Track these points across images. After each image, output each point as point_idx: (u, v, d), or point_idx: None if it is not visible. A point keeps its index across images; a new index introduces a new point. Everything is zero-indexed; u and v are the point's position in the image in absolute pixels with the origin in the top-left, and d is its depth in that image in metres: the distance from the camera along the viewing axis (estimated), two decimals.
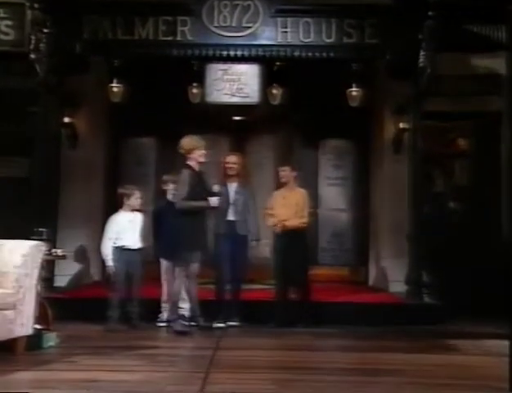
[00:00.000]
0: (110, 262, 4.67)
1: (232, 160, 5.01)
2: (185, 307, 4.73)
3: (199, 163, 4.64)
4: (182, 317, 4.64)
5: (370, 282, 6.75)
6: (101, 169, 6.72)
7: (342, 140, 7.12)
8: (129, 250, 4.68)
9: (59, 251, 4.35)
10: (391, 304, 5.34)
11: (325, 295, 5.54)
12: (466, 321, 5.06)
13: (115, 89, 6.22)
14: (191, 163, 4.63)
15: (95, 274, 6.43)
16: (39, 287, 3.95)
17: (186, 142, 4.66)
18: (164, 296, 4.83)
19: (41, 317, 4.00)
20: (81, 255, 6.22)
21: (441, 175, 6.81)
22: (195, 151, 4.59)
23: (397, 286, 5.82)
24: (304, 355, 3.93)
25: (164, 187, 4.93)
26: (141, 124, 6.73)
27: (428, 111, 5.63)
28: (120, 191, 4.86)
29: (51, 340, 3.95)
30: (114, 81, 6.19)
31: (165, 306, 4.80)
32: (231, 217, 4.95)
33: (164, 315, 4.80)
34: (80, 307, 4.97)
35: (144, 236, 4.81)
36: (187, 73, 6.06)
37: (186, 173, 4.59)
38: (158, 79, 6.32)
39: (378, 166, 6.69)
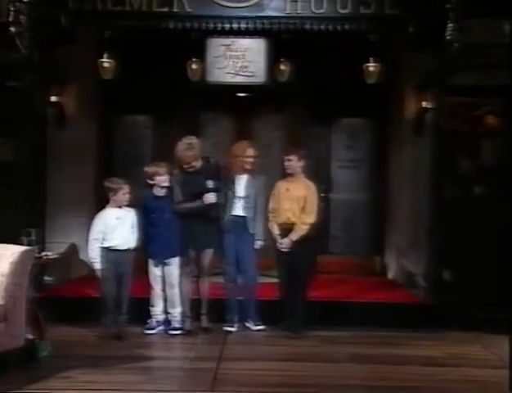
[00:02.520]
0: (97, 265, 4.64)
1: (251, 153, 4.96)
2: (174, 312, 4.78)
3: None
4: (168, 324, 4.74)
5: (386, 273, 6.82)
6: (93, 151, 6.70)
7: (356, 118, 7.05)
8: (118, 250, 4.65)
9: (50, 254, 4.39)
10: (407, 304, 5.36)
11: (333, 292, 5.60)
12: (492, 323, 4.95)
13: (106, 65, 6.16)
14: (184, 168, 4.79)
15: (85, 267, 6.51)
16: (30, 293, 4.02)
17: (179, 146, 4.80)
18: (153, 300, 4.85)
19: (32, 325, 4.08)
20: (71, 246, 6.28)
21: (466, 156, 6.76)
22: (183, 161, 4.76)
23: (415, 279, 5.87)
24: (315, 368, 4.00)
25: (149, 181, 4.82)
26: (136, 101, 6.69)
27: (452, 86, 5.56)
28: (106, 184, 4.77)
29: (44, 349, 4.05)
30: (105, 56, 6.12)
31: (154, 310, 4.84)
32: (239, 212, 4.96)
33: (153, 321, 4.82)
34: (72, 306, 5.06)
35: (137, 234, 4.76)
36: (186, 46, 5.98)
37: (176, 174, 4.78)
38: (153, 54, 6.25)
39: (396, 147, 6.66)
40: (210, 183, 4.75)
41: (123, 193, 4.71)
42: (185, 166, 4.77)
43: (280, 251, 4.87)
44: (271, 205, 4.97)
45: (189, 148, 4.76)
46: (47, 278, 5.32)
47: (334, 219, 7.14)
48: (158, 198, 4.80)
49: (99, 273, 4.65)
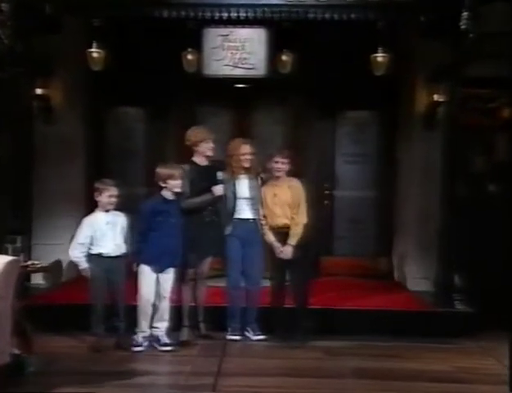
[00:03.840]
0: (83, 264, 4.61)
1: (248, 150, 4.92)
2: (162, 327, 4.71)
3: (206, 156, 4.82)
4: (156, 339, 4.67)
5: (393, 275, 6.80)
6: (82, 146, 6.65)
7: (363, 111, 7.00)
8: (109, 257, 4.61)
9: (37, 263, 4.37)
10: (414, 312, 5.35)
11: (336, 298, 5.59)
12: (506, 334, 4.74)
13: (95, 55, 6.07)
14: (197, 158, 4.82)
15: (74, 270, 6.50)
16: (15, 304, 4.00)
17: (193, 133, 4.81)
18: (141, 313, 4.67)
19: (19, 338, 4.05)
20: (58, 249, 6.26)
21: (480, 152, 6.71)
22: (202, 143, 4.75)
23: (424, 284, 5.87)
24: (319, 384, 3.98)
25: (161, 184, 4.70)
26: (128, 93, 6.62)
27: (466, 77, 5.49)
28: (95, 185, 4.72)
29: (31, 365, 4.01)
30: (94, 45, 6.04)
31: (141, 325, 4.68)
32: (247, 215, 4.93)
33: (140, 337, 4.67)
34: (60, 315, 5.04)
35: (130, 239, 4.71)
36: (181, 36, 5.90)
37: (187, 168, 4.75)
38: (146, 44, 6.19)
39: (406, 142, 6.61)
40: (220, 175, 4.80)
41: (109, 195, 4.65)
42: (209, 146, 4.78)
43: (278, 257, 4.88)
44: (261, 212, 4.95)
45: (209, 131, 4.83)
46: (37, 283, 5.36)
47: (339, 217, 7.13)
48: (167, 202, 4.70)
49: (86, 273, 4.61)
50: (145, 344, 4.68)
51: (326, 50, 6.09)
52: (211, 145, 4.80)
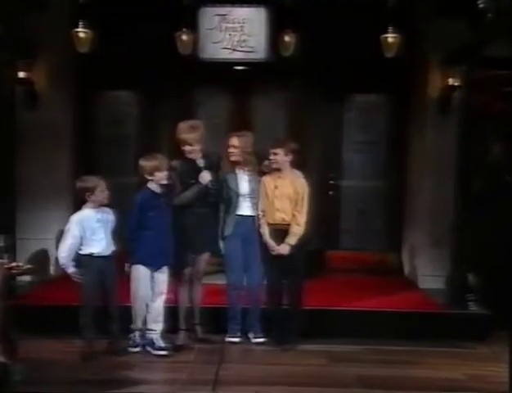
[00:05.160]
0: (70, 269, 4.57)
1: (236, 143, 4.89)
2: (157, 328, 4.71)
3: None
4: (151, 342, 4.67)
5: (403, 271, 6.79)
6: (69, 133, 6.60)
7: (372, 95, 6.94)
8: (101, 257, 4.59)
9: (22, 264, 4.32)
10: (425, 313, 5.33)
11: (340, 298, 5.57)
12: None
13: (82, 35, 6.02)
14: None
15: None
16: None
17: (183, 130, 4.79)
18: (136, 313, 4.70)
19: (3, 345, 4.06)
20: (44, 243, 6.24)
21: (498, 140, 6.66)
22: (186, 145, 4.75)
23: (435, 282, 5.85)
24: None
25: (147, 177, 4.67)
26: (118, 77, 6.57)
27: (484, 58, 5.44)
28: (79, 185, 4.65)
29: (17, 373, 3.96)
30: (80, 25, 5.97)
31: (136, 324, 4.72)
32: (246, 211, 4.92)
33: (137, 337, 4.73)
34: (47, 316, 5.03)
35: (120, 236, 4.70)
36: (175, 15, 5.82)
37: (177, 164, 4.77)
38: (137, 23, 6.12)
39: (417, 129, 6.56)
40: (201, 162, 4.76)
41: (101, 190, 4.61)
42: (186, 149, 4.76)
43: (273, 255, 4.86)
44: (260, 207, 4.91)
45: (192, 129, 4.77)
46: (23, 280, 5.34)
47: (346, 209, 7.13)
48: (155, 196, 4.67)
49: (76, 277, 4.56)
50: (142, 343, 4.71)
51: (332, 30, 6.02)
52: (193, 148, 4.76)
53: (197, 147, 4.77)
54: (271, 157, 4.87)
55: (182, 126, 4.80)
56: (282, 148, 4.85)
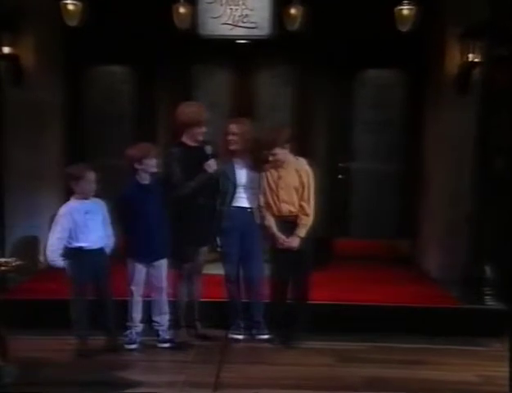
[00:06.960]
0: (59, 263, 4.63)
1: (234, 130, 4.90)
2: (161, 320, 4.86)
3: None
4: (156, 335, 4.84)
5: (416, 260, 6.90)
6: (57, 111, 6.68)
7: (385, 70, 6.94)
8: (91, 250, 4.67)
9: (11, 260, 4.41)
10: (438, 308, 5.39)
11: (348, 290, 5.65)
12: None
13: (71, 7, 6.04)
14: (186, 139, 4.82)
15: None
16: None
17: (184, 112, 4.80)
18: (132, 308, 4.83)
19: None
20: (33, 230, 6.31)
21: None
22: (194, 127, 4.74)
23: (450, 273, 5.92)
24: None
25: (136, 166, 4.70)
26: (110, 51, 6.60)
27: (506, 33, 5.45)
28: (66, 171, 4.72)
29: (8, 374, 4.06)
30: None
31: (134, 320, 4.85)
32: (244, 203, 4.97)
33: (133, 333, 4.85)
34: (39, 311, 5.13)
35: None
36: None
37: (175, 151, 4.78)
38: None
39: (434, 109, 6.56)
40: (209, 149, 4.77)
41: (87, 182, 4.65)
42: (197, 131, 4.76)
43: (280, 248, 4.93)
44: (263, 199, 4.95)
45: (202, 110, 4.79)
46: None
47: (356, 194, 7.19)
48: (144, 187, 4.73)
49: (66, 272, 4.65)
50: (139, 340, 4.84)
51: (342, 1, 6.01)
52: (203, 130, 4.77)
53: (203, 131, 4.78)
54: (270, 158, 4.88)
55: (191, 107, 4.81)
56: (278, 147, 4.83)
